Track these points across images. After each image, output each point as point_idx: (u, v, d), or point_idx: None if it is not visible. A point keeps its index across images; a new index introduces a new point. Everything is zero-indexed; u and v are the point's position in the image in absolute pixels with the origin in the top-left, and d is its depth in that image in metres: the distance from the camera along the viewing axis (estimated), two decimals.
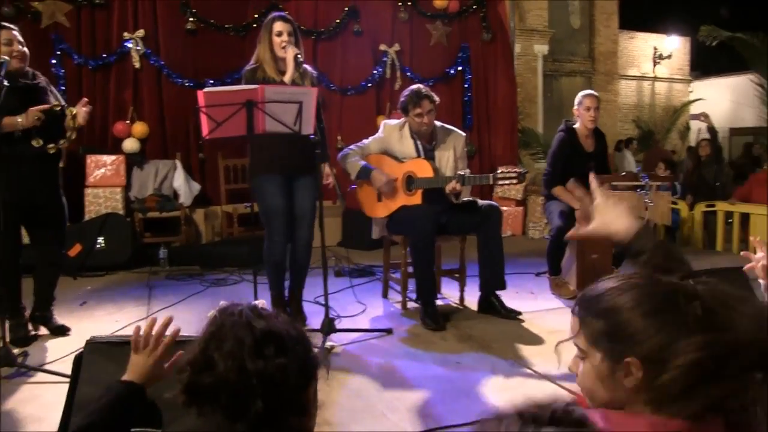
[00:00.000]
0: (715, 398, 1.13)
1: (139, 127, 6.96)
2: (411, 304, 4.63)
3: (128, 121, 6.96)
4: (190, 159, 7.20)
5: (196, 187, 6.94)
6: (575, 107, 5.13)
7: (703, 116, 7.88)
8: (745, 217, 7.16)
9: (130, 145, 6.88)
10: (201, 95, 3.28)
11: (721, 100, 11.91)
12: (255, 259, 4.14)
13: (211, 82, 6.94)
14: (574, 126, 5.13)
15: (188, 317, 4.30)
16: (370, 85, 8.00)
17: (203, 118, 3.32)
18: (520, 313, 4.43)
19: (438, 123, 4.55)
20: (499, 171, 4.20)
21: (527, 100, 10.41)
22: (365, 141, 4.60)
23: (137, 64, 6.94)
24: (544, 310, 4.59)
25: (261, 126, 3.40)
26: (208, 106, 3.28)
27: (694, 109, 12.90)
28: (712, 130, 7.94)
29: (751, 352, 1.13)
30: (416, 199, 4.35)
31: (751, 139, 10.15)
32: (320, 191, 3.95)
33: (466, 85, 8.56)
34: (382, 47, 8.03)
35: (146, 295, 5.12)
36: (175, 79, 7.07)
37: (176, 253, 6.20)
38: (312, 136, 3.62)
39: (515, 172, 4.15)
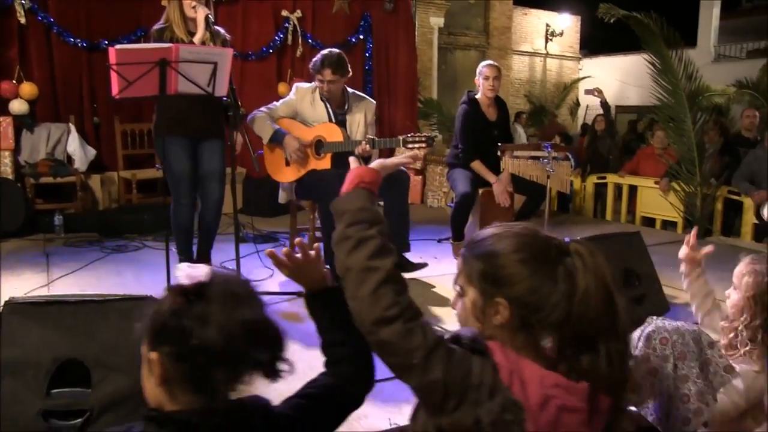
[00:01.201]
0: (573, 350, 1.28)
1: (28, 88, 6.59)
2: None
3: (14, 81, 6.59)
4: (84, 123, 6.90)
5: (92, 152, 6.69)
6: (476, 77, 5.29)
7: (597, 91, 8.30)
8: (632, 189, 7.67)
9: (17, 106, 6.51)
10: (112, 52, 3.19)
11: (608, 79, 12.53)
12: (157, 226, 4.08)
13: (106, 43, 6.66)
14: (476, 96, 5.28)
15: (93, 282, 4.21)
16: (271, 51, 7.91)
17: (113, 77, 3.22)
18: (426, 264, 4.54)
19: (350, 89, 4.60)
20: (408, 135, 4.30)
21: (423, 72, 10.58)
22: (275, 103, 4.58)
23: (22, 20, 6.54)
24: (449, 274, 4.76)
25: (174, 86, 3.34)
26: (119, 64, 3.19)
27: (584, 86, 13.52)
28: (605, 105, 8.37)
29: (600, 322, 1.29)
30: (325, 163, 4.38)
31: (635, 117, 10.75)
32: (233, 155, 3.93)
33: (367, 54, 8.61)
34: (284, 13, 7.93)
35: (44, 262, 4.94)
36: (67, 38, 6.73)
37: (72, 220, 5.99)
38: (225, 99, 3.59)
39: (424, 136, 4.26)
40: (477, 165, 5.12)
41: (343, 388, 1.48)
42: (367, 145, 4.24)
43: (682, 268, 2.53)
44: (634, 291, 3.58)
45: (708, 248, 2.47)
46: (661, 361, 1.92)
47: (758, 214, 6.33)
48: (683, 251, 2.49)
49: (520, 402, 1.23)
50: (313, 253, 1.53)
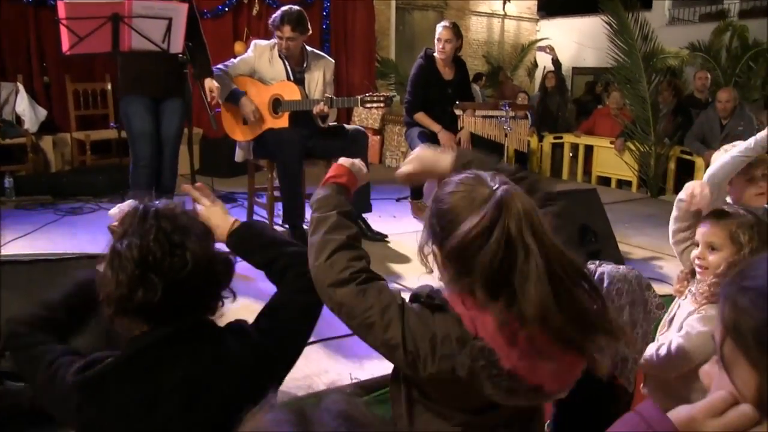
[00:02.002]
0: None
1: None
2: (278, 228, 4.67)
3: None
4: (34, 82, 6.69)
5: (42, 112, 6.49)
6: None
7: (549, 48, 8.36)
8: (589, 149, 7.77)
9: None
10: (61, 6, 3.09)
11: (566, 40, 12.52)
12: (112, 188, 4.01)
13: None
14: (434, 54, 5.27)
15: (47, 245, 4.13)
16: (226, 9, 7.74)
17: (64, 32, 3.14)
18: (386, 236, 4.60)
19: (309, 48, 4.55)
20: (366, 95, 4.28)
21: (380, 32, 10.46)
22: (233, 60, 4.50)
23: None
24: (408, 232, 4.80)
25: (127, 42, 3.27)
26: (69, 18, 3.10)
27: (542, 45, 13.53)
28: (556, 62, 8.43)
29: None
30: (283, 122, 4.34)
31: (592, 78, 10.81)
32: (190, 114, 3.87)
33: (324, 13, 8.48)
34: None
35: None
36: None
37: (23, 183, 5.83)
38: (181, 56, 3.52)
39: (383, 96, 4.25)
40: (420, 116, 5.15)
41: (297, 294, 1.53)
42: (325, 106, 4.22)
43: (676, 212, 2.50)
44: (590, 247, 3.66)
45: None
46: (618, 312, 1.96)
47: None
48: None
49: (489, 346, 1.26)
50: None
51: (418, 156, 1.71)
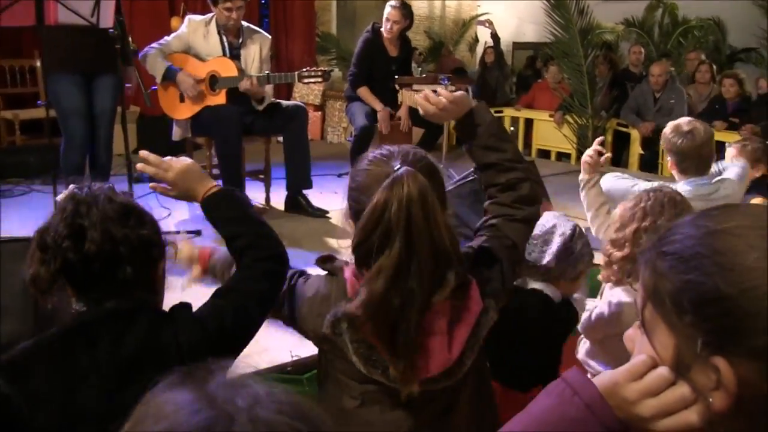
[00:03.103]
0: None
1: None
2: None
3: None
4: None
5: None
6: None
7: (488, 23, 8.41)
8: (529, 122, 7.87)
9: None
10: None
11: (506, 16, 12.58)
12: (44, 169, 3.89)
13: None
14: (381, 29, 5.23)
15: None
16: None
17: None
18: (327, 212, 4.58)
19: (245, 23, 4.47)
20: (304, 70, 4.23)
21: (321, 7, 10.35)
22: (167, 38, 4.39)
23: None
24: None
25: (53, 16, 3.14)
26: None
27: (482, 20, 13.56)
28: (495, 36, 8.49)
29: None
30: (220, 99, 4.28)
31: (532, 53, 10.92)
32: (123, 91, 3.76)
33: None
34: None
35: None
36: None
37: None
38: (111, 30, 3.41)
39: (321, 70, 4.22)
40: (363, 91, 5.14)
41: (250, 281, 1.51)
42: (255, 80, 4.16)
43: (582, 175, 2.64)
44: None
45: (607, 155, 2.62)
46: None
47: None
48: (589, 152, 2.61)
49: (356, 312, 1.32)
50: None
51: (458, 97, 1.65)
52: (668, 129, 2.82)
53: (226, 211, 1.57)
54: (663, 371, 0.80)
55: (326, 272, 1.53)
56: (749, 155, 3.21)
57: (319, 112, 8.29)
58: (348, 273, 1.44)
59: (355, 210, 1.43)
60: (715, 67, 7.45)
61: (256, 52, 4.43)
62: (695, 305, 0.74)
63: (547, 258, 1.90)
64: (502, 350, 1.76)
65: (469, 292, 1.42)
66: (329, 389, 1.52)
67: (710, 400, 0.74)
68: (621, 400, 0.82)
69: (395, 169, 1.33)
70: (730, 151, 3.28)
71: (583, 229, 2.06)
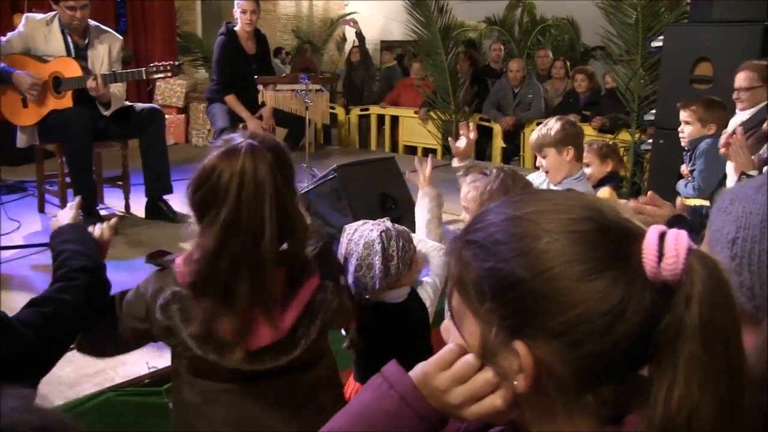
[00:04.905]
0: None
1: None
2: None
3: None
4: None
5: None
6: (234, 9, 5.13)
7: (353, 22, 8.45)
8: (395, 119, 7.98)
9: None
10: None
11: (374, 15, 12.71)
12: None
13: None
14: (234, 28, 5.13)
15: None
16: None
17: None
18: (189, 217, 4.43)
19: (93, 22, 4.25)
20: (151, 65, 4.08)
21: (185, 6, 10.07)
22: (3, 38, 4.10)
23: None
24: None
25: None
26: None
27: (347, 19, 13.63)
28: (360, 36, 8.55)
29: None
30: (67, 101, 4.04)
31: (400, 51, 11.07)
32: None
33: None
34: None
35: None
36: None
37: None
38: None
39: (169, 64, 4.08)
40: (231, 100, 5.04)
41: (62, 291, 1.51)
42: (100, 79, 3.97)
43: (455, 162, 2.79)
44: (392, 213, 3.73)
45: (473, 135, 2.80)
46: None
47: None
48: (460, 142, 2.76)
49: (184, 292, 1.42)
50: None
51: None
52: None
53: (56, 242, 1.64)
54: (469, 358, 0.80)
55: (158, 267, 1.55)
56: (597, 152, 3.40)
57: (183, 115, 8.03)
58: (178, 260, 1.47)
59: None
60: (569, 63, 7.84)
61: (105, 53, 4.21)
62: (494, 291, 0.75)
63: (377, 281, 1.89)
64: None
65: (307, 267, 1.50)
66: (178, 389, 1.58)
67: (515, 383, 0.75)
68: (433, 389, 0.83)
69: (237, 143, 1.42)
70: None
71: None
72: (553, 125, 2.89)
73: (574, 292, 0.71)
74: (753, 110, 3.53)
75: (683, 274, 0.69)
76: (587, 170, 3.29)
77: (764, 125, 2.06)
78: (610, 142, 3.66)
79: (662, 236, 0.72)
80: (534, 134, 3.00)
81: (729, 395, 0.68)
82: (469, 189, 2.11)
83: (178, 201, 4.63)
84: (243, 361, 1.43)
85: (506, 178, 2.05)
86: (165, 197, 4.44)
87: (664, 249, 0.71)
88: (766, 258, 1.01)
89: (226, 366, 1.44)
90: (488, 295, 0.75)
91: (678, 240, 0.71)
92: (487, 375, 0.79)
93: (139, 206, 4.55)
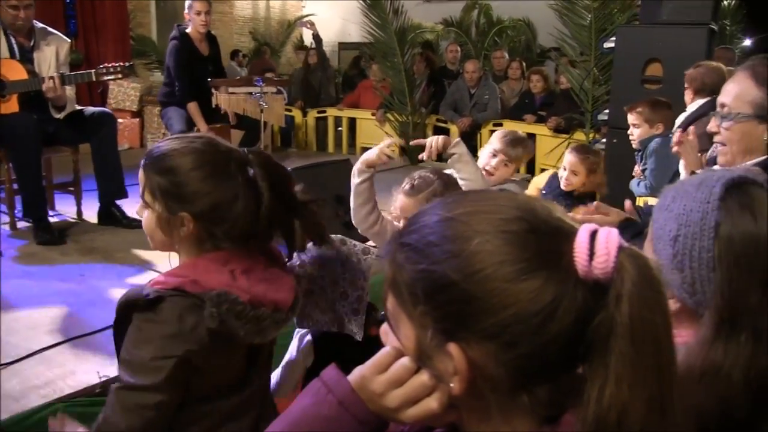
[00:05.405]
0: None
1: None
2: (21, 224, 4.25)
3: None
4: None
5: None
6: (186, 11, 5.07)
7: (309, 24, 8.43)
8: (352, 122, 7.97)
9: None
10: None
11: (331, 17, 12.68)
12: None
13: None
14: (186, 30, 5.06)
15: None
16: None
17: None
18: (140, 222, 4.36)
19: (39, 24, 4.15)
20: (101, 67, 4.00)
21: (139, 8, 9.93)
22: None
23: None
24: None
25: None
26: None
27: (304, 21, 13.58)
28: (317, 37, 8.53)
29: None
30: (12, 106, 3.93)
31: (358, 53, 11.06)
32: None
33: None
34: None
35: None
36: None
37: None
38: None
39: (119, 65, 4.02)
40: (193, 108, 4.97)
41: None
42: (58, 80, 3.89)
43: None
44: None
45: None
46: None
47: None
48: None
49: (223, 290, 1.33)
50: None
51: None
52: None
53: None
54: (405, 361, 0.80)
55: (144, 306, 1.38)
56: (590, 166, 3.26)
57: (137, 119, 7.89)
58: (180, 278, 1.38)
59: (176, 195, 1.40)
60: (525, 64, 7.91)
61: (51, 56, 4.12)
62: (427, 294, 0.74)
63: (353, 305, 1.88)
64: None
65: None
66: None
67: (451, 385, 0.75)
68: (371, 393, 0.83)
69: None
70: (568, 157, 3.32)
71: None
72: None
73: (506, 293, 0.70)
74: (700, 102, 3.60)
75: (614, 272, 0.70)
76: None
77: (708, 125, 2.10)
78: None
79: (593, 235, 0.72)
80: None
81: (658, 393, 0.68)
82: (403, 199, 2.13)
83: (131, 205, 4.56)
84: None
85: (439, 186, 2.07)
86: (119, 202, 4.35)
87: (595, 247, 0.71)
88: (705, 255, 1.03)
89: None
90: (421, 297, 0.75)
91: (609, 238, 0.71)
92: (423, 378, 0.79)
93: (91, 212, 4.47)
